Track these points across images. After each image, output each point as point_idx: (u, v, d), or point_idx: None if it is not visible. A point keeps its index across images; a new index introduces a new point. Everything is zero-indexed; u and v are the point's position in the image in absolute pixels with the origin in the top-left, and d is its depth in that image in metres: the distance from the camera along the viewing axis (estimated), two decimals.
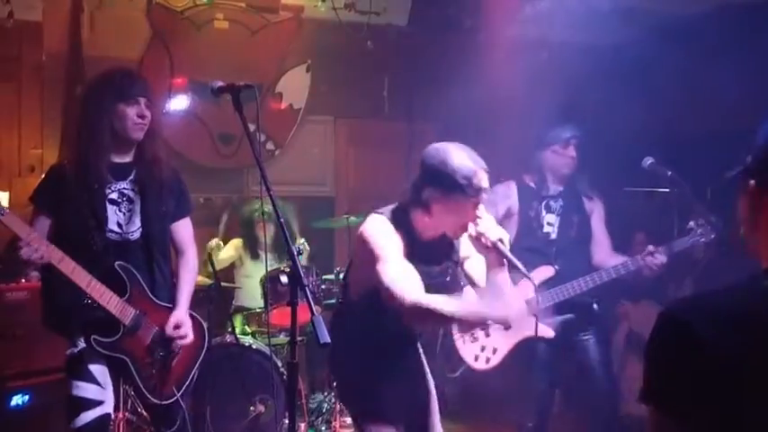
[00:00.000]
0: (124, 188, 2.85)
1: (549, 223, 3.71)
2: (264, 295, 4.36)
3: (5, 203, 4.11)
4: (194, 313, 3.06)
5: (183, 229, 3.05)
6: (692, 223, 3.52)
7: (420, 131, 5.88)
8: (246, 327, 4.72)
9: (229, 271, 5.03)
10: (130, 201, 2.85)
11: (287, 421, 2.94)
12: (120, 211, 2.82)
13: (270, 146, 5.76)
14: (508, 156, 4.91)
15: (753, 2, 4.29)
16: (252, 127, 2.32)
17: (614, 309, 4.90)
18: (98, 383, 2.74)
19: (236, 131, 5.24)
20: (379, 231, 2.49)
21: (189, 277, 3.04)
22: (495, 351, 3.60)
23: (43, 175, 2.96)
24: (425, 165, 2.48)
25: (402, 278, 2.39)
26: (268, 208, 3.97)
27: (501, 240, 2.42)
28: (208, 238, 4.82)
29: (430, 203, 2.46)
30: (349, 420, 4.12)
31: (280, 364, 4.30)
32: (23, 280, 3.77)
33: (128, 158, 2.87)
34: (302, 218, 5.11)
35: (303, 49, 5.78)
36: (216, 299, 4.05)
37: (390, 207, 2.59)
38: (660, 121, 4.66)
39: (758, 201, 1.27)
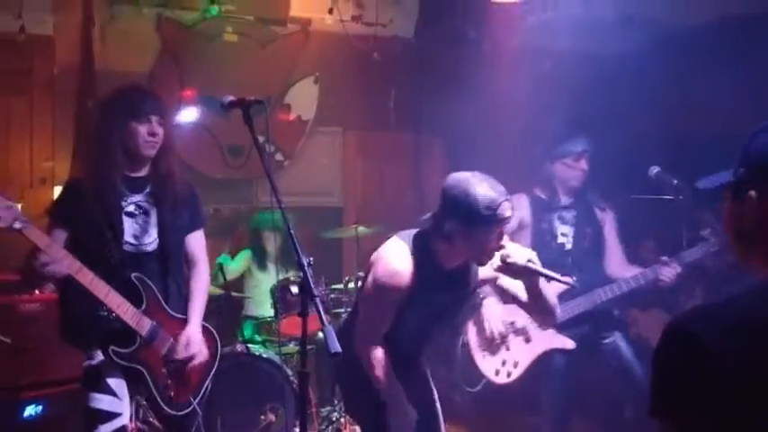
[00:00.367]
0: (140, 201, 2.89)
1: (563, 234, 3.70)
2: (275, 305, 4.39)
3: None
4: (206, 324, 3.09)
5: (196, 242, 3.09)
6: (704, 232, 3.50)
7: (427, 142, 5.93)
8: (256, 336, 4.75)
9: (239, 281, 5.07)
10: (146, 213, 2.89)
11: (297, 430, 2.97)
12: (136, 223, 2.86)
13: (279, 157, 5.80)
14: (514, 166, 4.95)
15: (752, 13, 4.32)
16: (261, 139, 2.36)
17: (623, 316, 4.91)
18: (115, 395, 2.76)
19: (246, 143, 5.28)
20: (391, 275, 2.49)
21: (201, 290, 3.07)
22: (516, 365, 3.57)
23: (59, 191, 3.01)
24: (447, 196, 2.45)
25: (371, 334, 2.55)
26: (276, 218, 4.01)
27: (530, 261, 2.43)
28: (217, 249, 4.86)
29: (453, 235, 2.44)
30: (358, 430, 4.14)
31: (290, 373, 4.33)
32: (37, 292, 3.81)
33: (143, 173, 2.91)
34: (306, 228, 5.14)
35: (311, 62, 5.83)
36: (226, 308, 4.08)
37: (412, 233, 2.58)
38: (663, 128, 4.67)
39: (759, 212, 1.26)
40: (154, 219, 2.90)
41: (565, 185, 3.70)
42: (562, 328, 3.52)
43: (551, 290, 2.59)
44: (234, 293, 4.71)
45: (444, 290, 2.58)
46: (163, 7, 5.27)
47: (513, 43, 5.35)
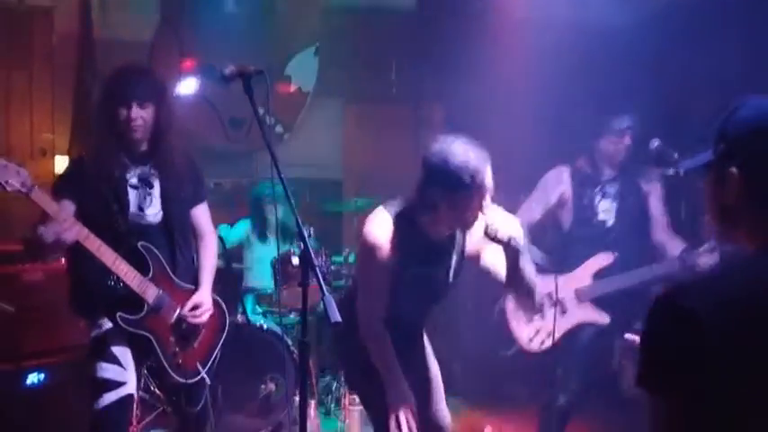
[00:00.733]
0: (143, 173, 2.91)
1: (604, 210, 3.66)
2: (275, 276, 4.42)
3: None
4: (215, 295, 3.12)
5: (202, 214, 3.12)
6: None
7: (428, 115, 5.91)
8: (257, 307, 4.79)
9: (239, 252, 5.09)
10: (150, 185, 2.91)
11: (297, 399, 3.01)
12: (140, 194, 2.89)
13: (279, 129, 5.80)
14: (516, 138, 4.94)
15: None
16: (261, 110, 2.35)
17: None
18: (120, 364, 2.79)
19: (246, 115, 5.27)
20: (376, 245, 2.50)
21: (210, 260, 3.11)
22: (549, 334, 3.59)
23: (64, 165, 3.03)
24: (428, 164, 2.45)
25: (369, 308, 2.56)
26: (276, 190, 4.02)
27: (514, 238, 2.40)
28: (218, 221, 4.87)
29: (436, 203, 2.45)
30: (358, 399, 4.19)
31: (290, 343, 4.37)
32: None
33: (144, 147, 2.92)
34: (307, 201, 5.16)
35: (311, 32, 5.79)
36: (226, 280, 4.10)
37: (397, 203, 2.58)
38: (670, 101, 4.63)
39: (740, 187, 1.27)
40: (157, 191, 2.92)
41: (609, 160, 3.66)
42: (597, 303, 3.57)
43: (532, 271, 2.55)
44: (234, 265, 4.73)
45: (433, 260, 2.60)
46: None
47: (517, 15, 5.30)
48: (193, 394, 3.04)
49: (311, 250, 2.18)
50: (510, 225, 2.42)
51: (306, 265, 2.21)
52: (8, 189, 2.48)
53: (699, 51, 4.25)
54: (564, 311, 3.62)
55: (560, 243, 3.80)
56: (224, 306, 3.18)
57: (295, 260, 4.29)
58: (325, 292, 2.07)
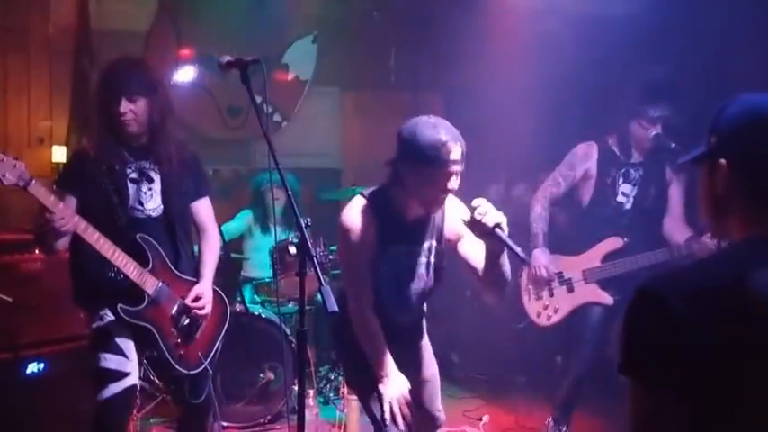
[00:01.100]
0: (144, 167, 2.91)
1: (623, 193, 3.74)
2: (273, 265, 4.43)
3: None
4: (215, 287, 3.13)
5: (204, 209, 3.12)
6: None
7: (426, 102, 5.88)
8: (255, 296, 4.80)
9: (238, 242, 5.10)
10: (150, 180, 2.92)
11: (296, 388, 3.01)
12: (140, 189, 2.89)
13: (277, 117, 5.79)
14: (515, 125, 4.94)
15: None
16: (258, 99, 2.35)
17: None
18: (124, 355, 2.80)
19: (244, 103, 5.26)
20: (352, 227, 2.52)
21: (212, 253, 3.12)
22: (556, 311, 3.79)
23: (66, 159, 3.04)
24: (398, 141, 2.49)
25: (353, 291, 2.56)
26: (275, 178, 4.02)
27: (499, 225, 2.36)
28: (217, 210, 4.87)
29: (405, 179, 2.48)
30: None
31: (289, 332, 4.38)
32: (37, 251, 3.84)
33: (144, 140, 2.92)
34: (305, 190, 5.15)
35: (309, 20, 5.77)
36: (225, 269, 4.11)
37: (375, 187, 2.62)
38: (679, 88, 4.60)
39: (731, 180, 1.31)
40: (158, 186, 2.93)
41: (638, 144, 3.70)
42: (603, 285, 3.69)
43: (509, 267, 2.53)
44: (233, 254, 4.73)
45: (409, 240, 2.59)
46: None
47: (516, 2, 5.28)
48: (196, 385, 3.05)
49: (309, 239, 2.18)
50: (496, 213, 2.38)
51: (303, 255, 2.22)
52: (5, 183, 2.48)
53: (699, 39, 4.21)
54: (571, 290, 3.78)
55: (576, 219, 3.91)
56: (224, 297, 3.19)
57: (292, 249, 4.29)
58: (323, 281, 2.08)
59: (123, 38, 5.04)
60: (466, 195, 2.55)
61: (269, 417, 4.20)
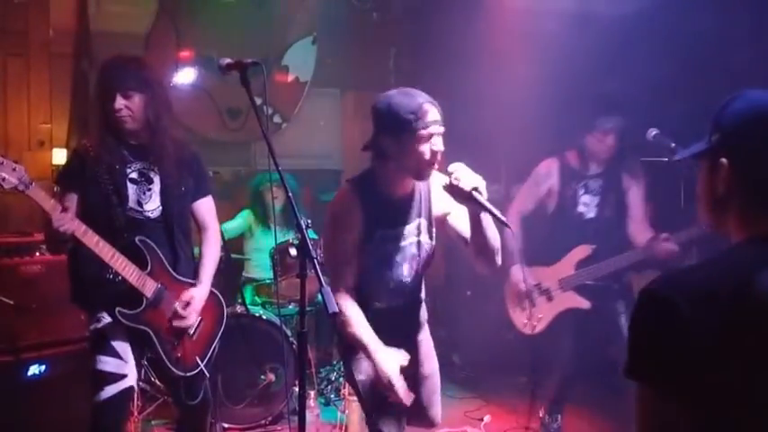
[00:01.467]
0: (143, 168, 2.91)
1: (584, 203, 3.88)
2: (273, 267, 4.43)
3: None
4: (214, 289, 3.12)
5: (205, 209, 3.12)
6: None
7: None
8: (256, 297, 4.80)
9: (239, 242, 5.10)
10: (149, 180, 2.91)
11: (296, 389, 3.01)
12: (139, 189, 2.89)
13: (277, 119, 5.79)
14: (514, 125, 4.93)
15: None
16: (258, 101, 2.35)
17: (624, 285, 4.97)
18: (120, 357, 2.80)
19: (244, 105, 5.27)
20: (336, 211, 2.52)
21: (211, 255, 3.11)
22: (539, 320, 3.92)
23: (65, 159, 3.04)
24: (373, 115, 2.51)
25: (335, 277, 2.54)
26: (275, 179, 4.02)
27: (476, 189, 2.36)
28: (217, 211, 4.87)
29: (387, 151, 2.48)
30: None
31: (289, 333, 4.38)
32: (37, 253, 3.84)
33: (144, 140, 2.92)
34: (306, 191, 5.16)
35: (309, 22, 5.77)
36: (225, 270, 4.11)
37: (361, 172, 2.63)
38: (687, 86, 4.59)
39: (731, 179, 1.29)
40: (157, 187, 2.92)
41: (595, 156, 3.85)
42: (579, 291, 3.84)
43: (494, 232, 2.52)
44: (234, 255, 4.74)
45: (398, 220, 2.57)
46: None
47: (516, 3, 5.28)
48: (192, 387, 3.05)
49: (309, 241, 2.18)
50: (474, 176, 2.38)
51: (304, 256, 2.22)
52: (5, 186, 2.48)
53: (718, 32, 4.19)
54: (550, 299, 3.92)
55: (546, 231, 4.05)
56: (222, 299, 3.18)
57: (293, 251, 4.30)
58: (324, 283, 2.08)
59: (123, 40, 5.04)
60: None
61: (270, 418, 4.21)
